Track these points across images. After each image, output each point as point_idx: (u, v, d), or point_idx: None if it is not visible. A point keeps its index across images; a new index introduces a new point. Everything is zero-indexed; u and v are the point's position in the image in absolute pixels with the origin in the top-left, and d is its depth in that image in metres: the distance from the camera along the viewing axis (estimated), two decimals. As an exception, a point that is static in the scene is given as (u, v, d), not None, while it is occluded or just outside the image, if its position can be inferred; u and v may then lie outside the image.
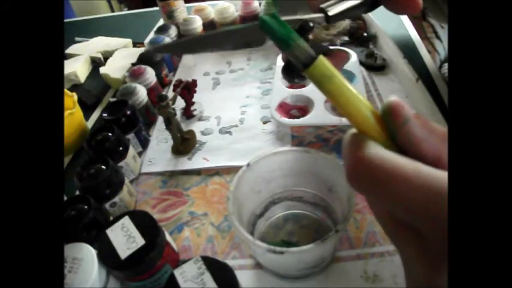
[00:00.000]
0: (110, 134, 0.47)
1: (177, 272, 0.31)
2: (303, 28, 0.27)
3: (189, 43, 0.27)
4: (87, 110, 0.66)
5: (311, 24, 0.27)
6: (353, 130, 0.20)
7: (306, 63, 0.21)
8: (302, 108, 0.55)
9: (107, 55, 0.79)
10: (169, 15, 0.80)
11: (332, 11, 0.29)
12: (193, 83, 0.59)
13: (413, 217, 0.17)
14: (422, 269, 0.17)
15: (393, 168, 0.17)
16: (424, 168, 0.16)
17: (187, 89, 0.58)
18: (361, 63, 0.63)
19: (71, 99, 0.60)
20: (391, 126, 0.19)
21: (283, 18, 0.22)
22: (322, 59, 0.21)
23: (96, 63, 0.82)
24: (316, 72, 0.20)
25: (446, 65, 0.69)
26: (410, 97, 0.56)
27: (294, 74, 0.32)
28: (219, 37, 0.27)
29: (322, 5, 0.29)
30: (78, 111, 0.59)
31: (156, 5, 0.84)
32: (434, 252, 0.17)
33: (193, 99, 0.61)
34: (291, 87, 0.57)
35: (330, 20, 0.29)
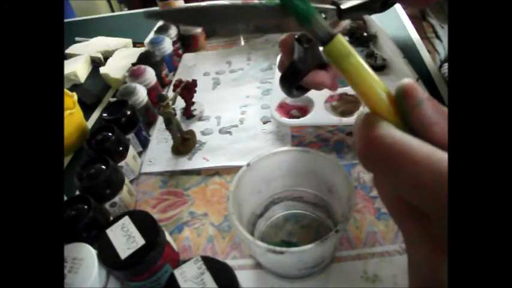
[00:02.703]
0: (110, 134, 0.47)
1: (177, 272, 0.31)
2: None
3: (198, 11, 0.24)
4: (87, 110, 0.66)
5: (324, 16, 0.26)
6: (366, 110, 0.20)
7: (324, 41, 0.21)
8: (302, 108, 0.55)
9: (107, 55, 0.79)
10: (169, 15, 0.80)
11: (345, 5, 0.28)
12: (193, 83, 0.59)
13: (422, 200, 0.16)
14: (427, 254, 0.17)
15: (405, 150, 0.16)
16: (436, 152, 0.16)
17: (187, 89, 0.58)
18: (361, 63, 0.63)
19: (71, 99, 0.60)
20: (404, 108, 0.19)
21: None
22: (340, 37, 0.20)
23: (96, 63, 0.82)
24: (334, 50, 0.20)
25: (446, 65, 0.69)
26: (410, 97, 0.56)
27: (292, 84, 0.31)
28: (234, 11, 0.24)
29: None
30: (78, 111, 0.59)
31: (156, 5, 0.84)
32: (441, 237, 0.16)
33: (193, 99, 0.61)
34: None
35: (342, 14, 0.28)
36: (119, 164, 0.48)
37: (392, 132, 0.17)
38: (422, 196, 0.16)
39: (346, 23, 0.69)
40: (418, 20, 0.77)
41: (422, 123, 0.18)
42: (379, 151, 0.17)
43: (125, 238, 0.35)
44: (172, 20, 0.24)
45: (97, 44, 0.86)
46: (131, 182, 0.50)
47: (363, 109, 0.20)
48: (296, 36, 0.30)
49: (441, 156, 0.16)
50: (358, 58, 0.20)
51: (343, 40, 0.20)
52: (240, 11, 0.24)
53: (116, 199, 0.44)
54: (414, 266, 0.19)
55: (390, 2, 0.30)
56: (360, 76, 0.20)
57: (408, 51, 0.64)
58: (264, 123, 0.57)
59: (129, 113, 0.52)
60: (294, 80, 0.30)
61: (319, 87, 0.33)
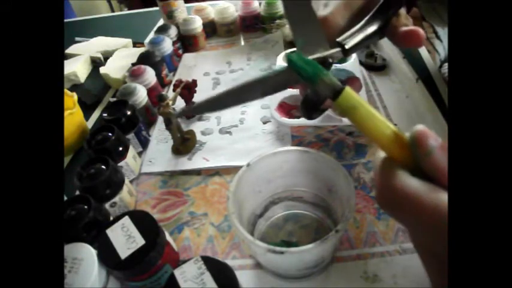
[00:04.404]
0: (110, 134, 0.47)
1: (177, 272, 0.31)
2: (323, 65, 0.28)
3: (222, 98, 0.28)
4: (87, 110, 0.66)
5: (330, 60, 0.29)
6: (383, 153, 0.22)
7: (332, 96, 0.23)
8: (302, 108, 0.55)
9: (107, 55, 0.79)
10: (169, 15, 0.80)
11: (349, 44, 0.30)
12: (193, 83, 0.59)
13: (430, 240, 0.20)
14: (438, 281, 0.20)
15: (416, 201, 0.19)
16: (439, 198, 0.18)
17: (187, 89, 0.58)
18: (361, 63, 0.63)
19: (71, 99, 0.60)
20: (416, 155, 0.21)
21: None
22: (347, 91, 0.22)
23: (96, 63, 0.82)
24: (342, 104, 0.22)
25: (446, 65, 0.69)
26: (410, 97, 0.56)
27: (310, 114, 0.32)
28: (250, 87, 0.27)
29: (339, 39, 0.30)
30: (78, 111, 0.59)
31: (156, 5, 0.84)
32: (444, 268, 0.19)
33: (193, 99, 0.61)
34: (291, 87, 0.57)
35: (348, 53, 0.30)
36: (119, 164, 0.48)
37: (406, 183, 0.20)
38: (429, 237, 0.19)
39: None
40: (418, 20, 0.77)
41: (433, 172, 0.20)
42: (395, 200, 0.20)
43: (125, 238, 0.35)
44: (197, 112, 0.28)
45: (97, 44, 0.86)
46: (131, 182, 0.50)
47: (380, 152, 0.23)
48: None
49: (443, 202, 0.18)
50: (366, 107, 0.22)
51: (350, 94, 0.22)
52: (255, 85, 0.27)
53: (116, 199, 0.44)
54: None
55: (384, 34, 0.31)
56: (371, 124, 0.22)
57: (408, 51, 0.64)
58: (264, 123, 0.57)
59: (129, 113, 0.52)
60: (310, 110, 0.32)
61: None
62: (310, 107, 0.32)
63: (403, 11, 0.32)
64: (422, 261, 0.22)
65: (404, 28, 0.31)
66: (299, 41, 0.28)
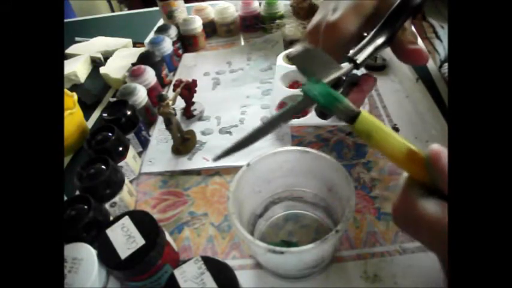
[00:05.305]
0: (110, 134, 0.47)
1: (177, 272, 0.31)
2: (337, 85, 0.29)
3: (246, 141, 0.29)
4: (87, 110, 0.66)
5: (344, 78, 0.30)
6: (406, 174, 0.24)
7: (348, 121, 0.24)
8: (302, 108, 0.55)
9: (107, 55, 0.79)
10: (169, 15, 0.80)
11: (360, 59, 0.30)
12: (194, 83, 0.59)
13: (437, 252, 0.22)
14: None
15: (428, 218, 0.21)
16: (442, 220, 0.20)
17: (188, 89, 0.58)
18: (361, 63, 0.63)
19: (71, 99, 0.60)
20: (432, 174, 0.22)
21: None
22: (363, 115, 0.23)
23: (96, 63, 0.82)
24: (360, 128, 0.24)
25: (446, 65, 0.69)
26: (410, 97, 0.56)
27: (323, 118, 0.34)
28: (276, 121, 0.29)
29: (349, 54, 0.31)
30: (78, 111, 0.59)
31: (156, 5, 0.84)
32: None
33: (193, 99, 0.61)
34: (291, 87, 0.57)
35: (359, 67, 0.31)
36: (119, 164, 0.48)
37: (421, 204, 0.21)
38: (441, 249, 0.21)
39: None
40: (418, 20, 0.77)
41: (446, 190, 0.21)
42: (411, 219, 0.22)
43: (125, 238, 0.35)
44: (228, 155, 0.30)
45: (97, 44, 0.86)
46: (131, 182, 0.50)
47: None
48: None
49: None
50: (383, 129, 0.23)
51: (366, 118, 0.23)
52: (285, 116, 0.29)
53: (116, 199, 0.44)
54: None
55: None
56: (388, 146, 0.23)
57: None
58: (264, 123, 0.57)
59: (129, 113, 0.52)
60: (323, 116, 0.33)
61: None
62: (322, 114, 0.33)
63: (408, 25, 0.32)
64: (439, 261, 0.24)
65: (411, 46, 0.32)
66: (312, 79, 0.29)
